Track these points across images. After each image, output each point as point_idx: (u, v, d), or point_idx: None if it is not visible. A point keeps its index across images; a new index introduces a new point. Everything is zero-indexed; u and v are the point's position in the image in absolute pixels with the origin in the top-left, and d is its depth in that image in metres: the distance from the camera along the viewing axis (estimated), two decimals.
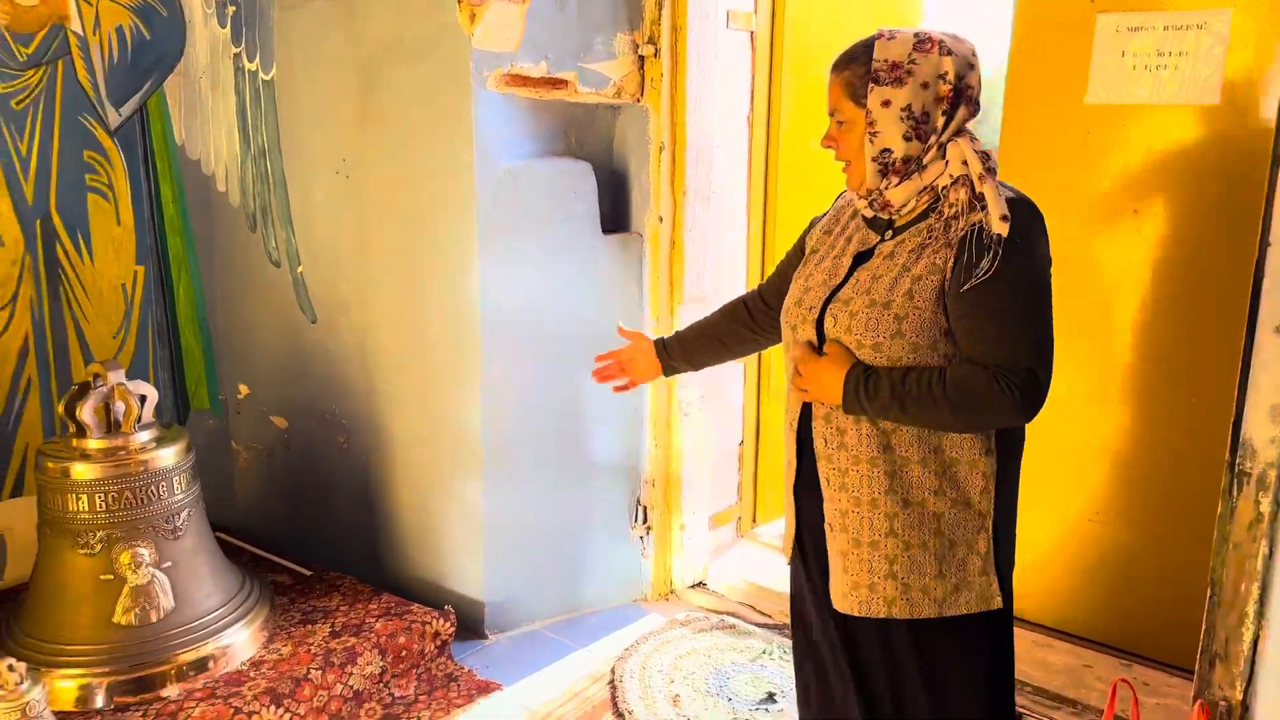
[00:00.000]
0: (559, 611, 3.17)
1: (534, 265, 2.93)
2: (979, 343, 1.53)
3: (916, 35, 1.56)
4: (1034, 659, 2.88)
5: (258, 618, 2.71)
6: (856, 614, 1.67)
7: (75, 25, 2.98)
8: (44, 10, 2.91)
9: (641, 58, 2.97)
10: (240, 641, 2.62)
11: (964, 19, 5.10)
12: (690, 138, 3.01)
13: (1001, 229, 1.48)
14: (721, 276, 3.25)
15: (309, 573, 3.11)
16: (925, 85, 1.54)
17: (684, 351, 2.09)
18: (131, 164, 3.16)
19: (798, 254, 1.88)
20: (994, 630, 1.70)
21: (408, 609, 2.88)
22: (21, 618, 2.59)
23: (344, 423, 3.30)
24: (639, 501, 3.25)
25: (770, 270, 2.28)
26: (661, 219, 3.06)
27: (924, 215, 1.61)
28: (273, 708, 2.44)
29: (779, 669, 2.84)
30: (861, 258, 1.66)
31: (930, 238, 1.57)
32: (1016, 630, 2.88)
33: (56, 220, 3.01)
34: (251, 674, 2.55)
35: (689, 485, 3.26)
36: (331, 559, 3.27)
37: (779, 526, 3.75)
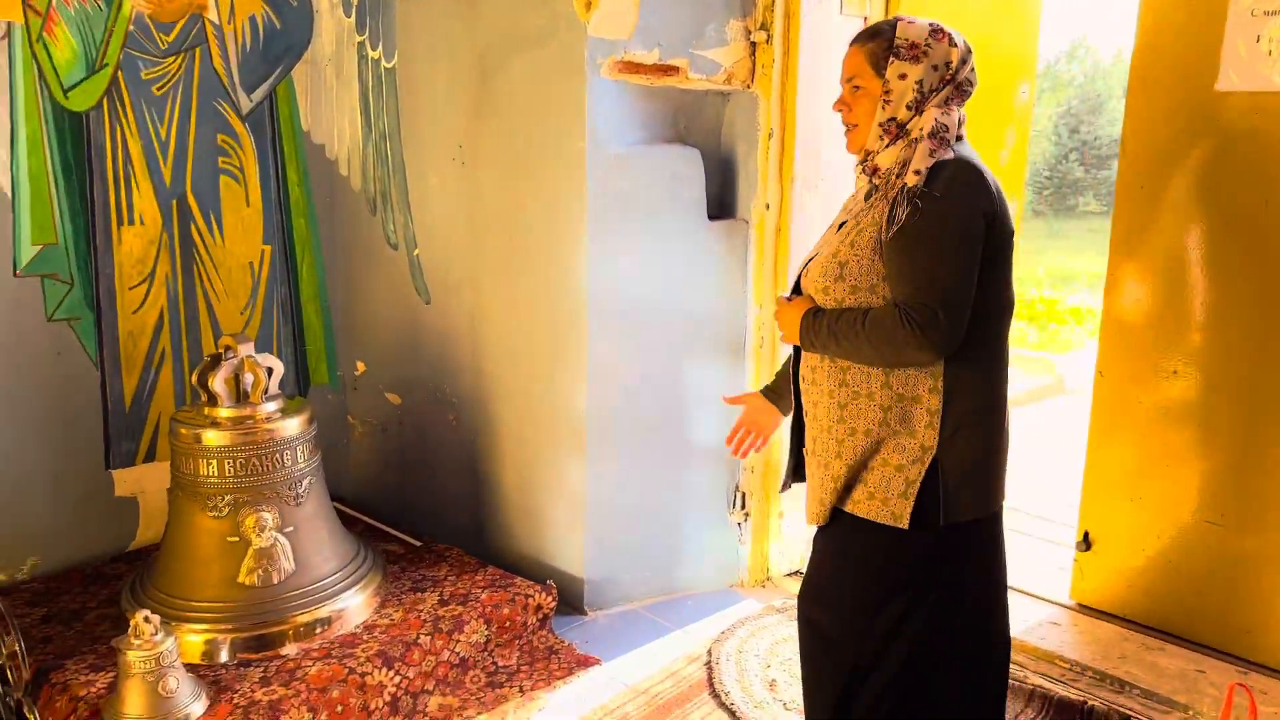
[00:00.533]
0: (656, 592, 3.22)
1: (641, 250, 2.97)
2: (894, 284, 1.73)
3: (931, 25, 1.79)
4: (1145, 662, 2.80)
5: (371, 584, 2.83)
6: (813, 524, 1.92)
7: (212, 14, 3.14)
8: (183, 1, 3.08)
9: (753, 44, 2.97)
10: (354, 605, 2.74)
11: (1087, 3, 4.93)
12: (800, 124, 3.01)
13: (914, 181, 1.70)
14: None
15: (418, 543, 3.23)
16: (935, 67, 1.77)
17: (787, 384, 2.12)
18: (261, 148, 3.31)
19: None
20: (907, 554, 1.82)
21: (511, 582, 2.97)
22: (154, 574, 2.75)
23: (454, 401, 3.41)
24: (738, 487, 3.27)
25: None
26: (768, 206, 3.07)
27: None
28: (384, 669, 2.55)
29: None
30: (843, 225, 1.87)
31: (881, 194, 1.77)
32: (1125, 631, 2.80)
33: (191, 201, 3.18)
34: (364, 637, 2.66)
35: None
36: (439, 531, 3.39)
37: None
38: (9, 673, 2.29)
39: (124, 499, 3.20)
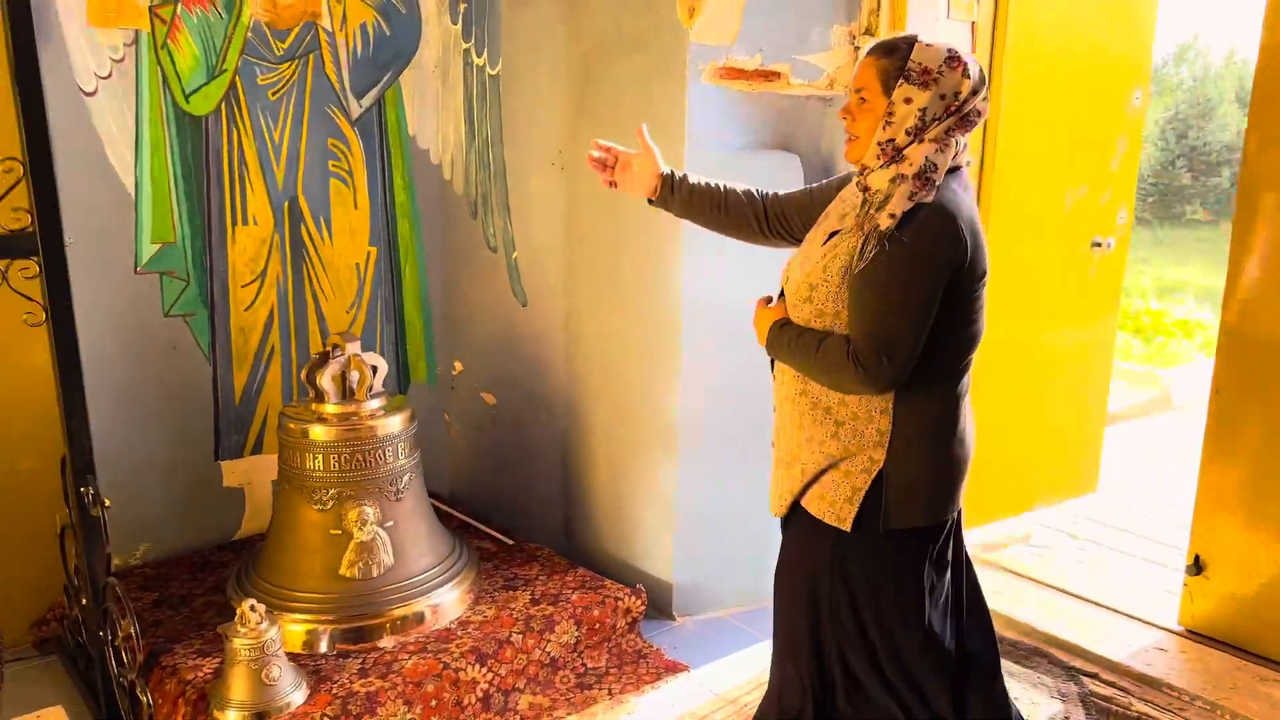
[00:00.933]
0: (746, 600, 3.19)
1: (737, 256, 2.93)
2: (850, 319, 1.81)
3: (949, 51, 1.76)
4: (1259, 693, 2.67)
5: (465, 580, 2.87)
6: (775, 515, 2.07)
7: (325, 22, 3.23)
8: (299, 8, 3.18)
9: (857, 48, 2.93)
10: (449, 601, 2.79)
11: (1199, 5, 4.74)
12: None
13: (886, 224, 1.73)
14: None
15: (510, 542, 3.27)
16: (942, 96, 1.75)
17: (686, 192, 2.15)
18: (369, 152, 3.40)
19: (809, 195, 2.08)
20: (848, 553, 1.94)
21: (601, 584, 2.98)
22: (260, 563, 2.84)
23: (547, 402, 3.45)
24: None
25: None
26: None
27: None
28: (477, 665, 2.59)
29: None
30: (831, 237, 1.87)
31: (857, 223, 1.80)
32: (1238, 660, 2.69)
33: (302, 203, 3.29)
34: (459, 632, 2.70)
35: None
36: (530, 530, 3.43)
37: (990, 533, 3.64)
38: (124, 654, 2.39)
39: (231, 489, 3.32)
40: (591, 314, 3.22)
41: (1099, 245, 3.76)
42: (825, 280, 1.82)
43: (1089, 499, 4.07)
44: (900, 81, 1.75)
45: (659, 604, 3.13)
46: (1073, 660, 2.90)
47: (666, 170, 2.16)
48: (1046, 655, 2.93)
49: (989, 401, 3.49)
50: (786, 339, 1.89)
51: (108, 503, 2.36)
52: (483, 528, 3.38)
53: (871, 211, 1.76)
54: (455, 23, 3.38)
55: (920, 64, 1.74)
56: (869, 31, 2.91)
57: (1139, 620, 3.09)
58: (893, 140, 1.76)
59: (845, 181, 1.98)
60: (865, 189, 1.80)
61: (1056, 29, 3.35)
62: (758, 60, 2.86)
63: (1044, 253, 3.59)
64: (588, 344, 3.26)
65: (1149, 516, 3.91)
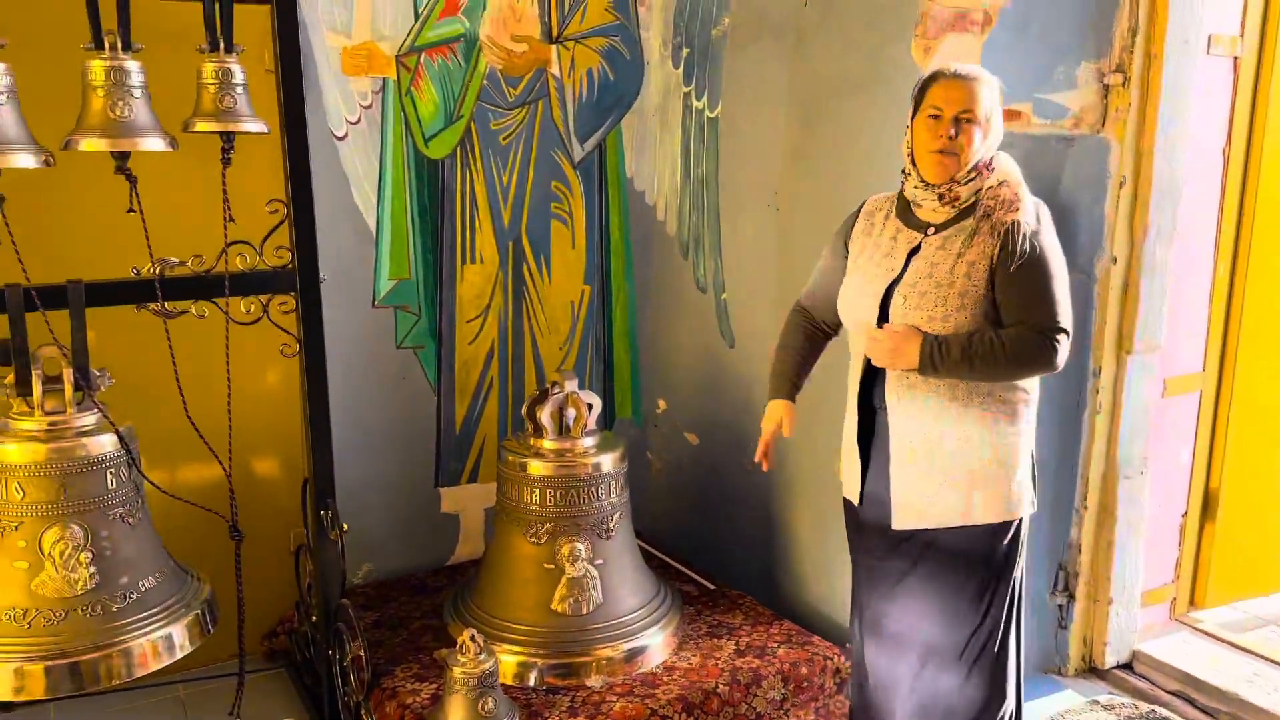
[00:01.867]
0: None
1: None
2: (1024, 309, 1.97)
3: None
4: None
5: (670, 624, 2.84)
6: (910, 526, 2.12)
7: (555, 69, 3.35)
8: (531, 56, 3.30)
9: (1106, 86, 2.76)
10: (655, 644, 2.76)
11: None
12: (1157, 172, 2.75)
13: (1033, 222, 1.98)
14: (1179, 325, 2.92)
15: (713, 587, 3.22)
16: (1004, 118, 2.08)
17: (800, 383, 2.42)
18: (588, 193, 3.49)
19: (840, 259, 2.25)
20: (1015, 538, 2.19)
21: (809, 640, 2.88)
22: (475, 591, 2.91)
23: (751, 445, 3.37)
24: (1061, 566, 3.00)
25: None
26: (1115, 259, 2.81)
27: (960, 216, 2.04)
28: (684, 714, 2.54)
29: None
30: (913, 253, 2.06)
31: (978, 228, 1.99)
32: None
33: (525, 242, 3.40)
34: (664, 678, 2.67)
35: (1122, 555, 2.95)
36: (730, 573, 3.37)
37: (1224, 614, 3.29)
38: (351, 675, 2.50)
39: (448, 515, 3.44)
40: None
41: None
42: (973, 285, 1.99)
43: None
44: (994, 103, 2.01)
45: None
46: None
47: (793, 398, 2.41)
48: None
49: (1238, 467, 3.18)
50: (955, 350, 1.97)
51: (345, 527, 2.48)
52: (685, 570, 3.35)
53: (995, 215, 1.98)
54: (677, 67, 3.42)
55: (1001, 90, 2.05)
56: (1121, 69, 2.73)
57: None
58: (984, 158, 2.03)
59: (843, 236, 2.25)
60: (954, 199, 2.02)
61: None
62: None
63: None
64: None
65: None
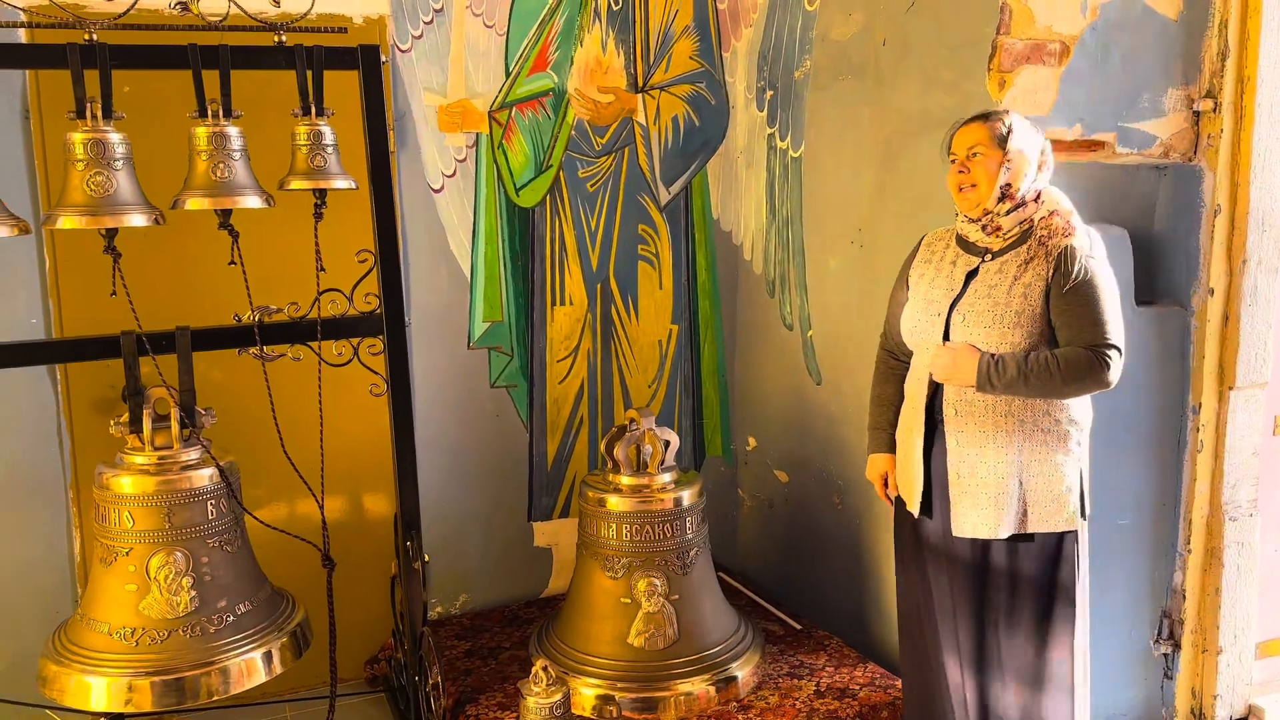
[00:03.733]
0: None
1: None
2: (1078, 329, 2.10)
3: (1028, 119, 2.23)
4: None
5: (749, 662, 2.84)
6: (979, 536, 2.20)
7: (640, 117, 3.46)
8: (618, 106, 3.43)
9: (1197, 113, 2.66)
10: (733, 682, 2.77)
11: None
12: (1254, 200, 2.62)
13: (1086, 247, 2.12)
14: None
15: (799, 627, 3.20)
16: (1041, 152, 2.21)
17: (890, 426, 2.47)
18: (675, 235, 3.57)
19: (904, 290, 2.38)
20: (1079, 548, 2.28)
21: (893, 683, 2.83)
22: (557, 624, 2.99)
23: (840, 483, 3.36)
24: (1165, 613, 2.85)
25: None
26: (1212, 291, 2.69)
27: (1017, 242, 2.18)
28: None
29: None
30: (971, 275, 2.21)
31: (1032, 254, 2.14)
32: None
33: (613, 284, 3.50)
34: (739, 716, 2.67)
35: (1231, 602, 2.78)
36: (819, 614, 3.33)
37: None
38: (431, 700, 2.61)
39: (540, 549, 3.54)
40: None
41: None
42: (1029, 305, 2.11)
43: None
44: (1012, 133, 2.17)
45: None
46: None
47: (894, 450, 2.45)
48: None
49: None
50: (1014, 367, 2.09)
51: (426, 558, 2.61)
52: (771, 609, 3.34)
53: (1048, 239, 2.13)
54: (761, 109, 3.48)
55: (1023, 123, 2.20)
56: (1211, 94, 2.63)
57: None
58: (1009, 184, 2.17)
59: (905, 270, 2.40)
60: (998, 229, 2.18)
61: None
62: (1077, 130, 2.67)
63: None
64: None
65: None
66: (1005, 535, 2.19)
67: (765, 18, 3.44)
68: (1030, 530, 2.19)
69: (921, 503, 2.31)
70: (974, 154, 2.18)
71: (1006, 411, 2.17)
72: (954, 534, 2.24)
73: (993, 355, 2.13)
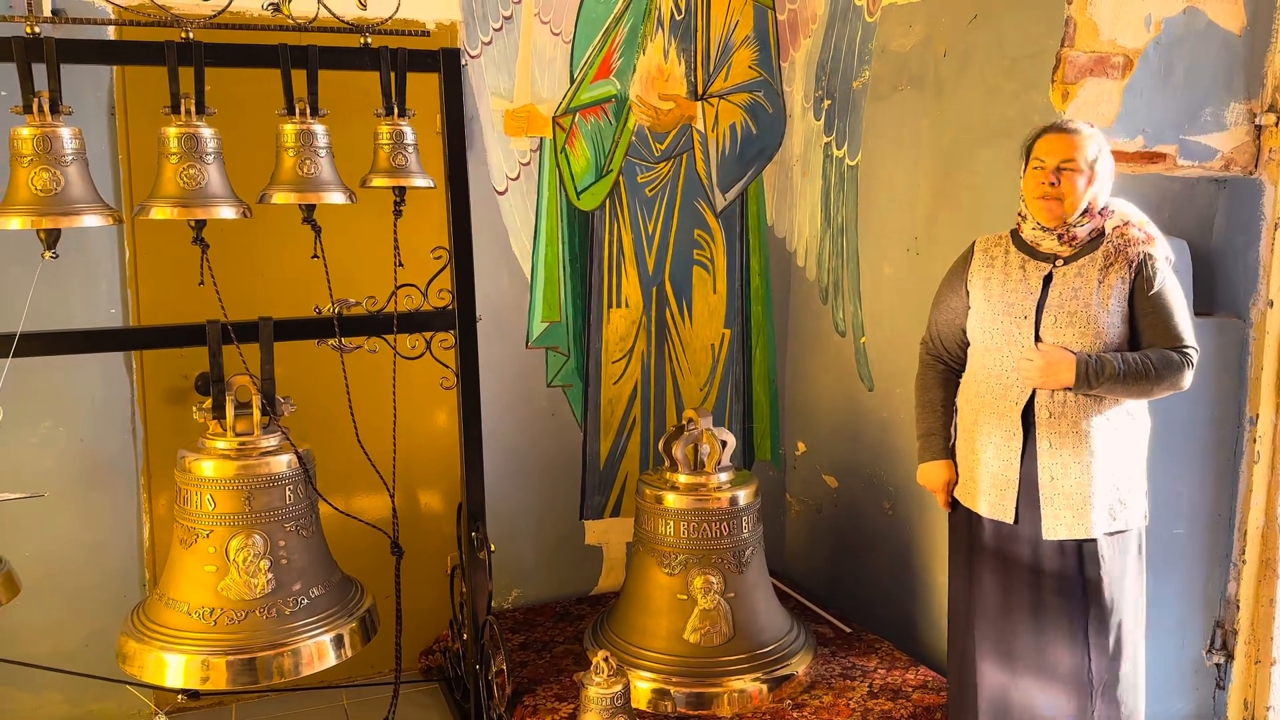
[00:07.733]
0: None
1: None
2: (1164, 331, 2.21)
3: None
4: None
5: (802, 662, 2.88)
6: (1074, 536, 2.24)
7: (699, 124, 3.52)
8: (677, 113, 3.49)
9: (1259, 127, 2.68)
10: (788, 679, 2.80)
11: None
12: None
13: (1166, 254, 2.25)
14: None
15: (849, 630, 3.23)
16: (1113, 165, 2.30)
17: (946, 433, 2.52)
18: (729, 241, 3.63)
19: (960, 297, 2.43)
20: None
21: (945, 685, 2.85)
22: (613, 619, 3.04)
23: (890, 489, 3.39)
24: (1218, 623, 2.86)
25: None
26: (1271, 303, 2.71)
27: (1087, 249, 2.25)
28: None
29: None
30: (1047, 279, 2.27)
31: (1110, 260, 2.22)
32: None
33: (668, 287, 3.56)
34: (793, 714, 2.71)
35: None
36: (867, 618, 3.36)
37: None
38: (495, 688, 2.66)
39: (591, 547, 3.60)
40: None
41: None
42: (1107, 311, 2.20)
43: None
44: (1098, 151, 2.23)
45: None
46: None
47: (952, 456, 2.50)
48: None
49: None
50: (1111, 367, 2.16)
51: (493, 547, 2.67)
52: (821, 612, 3.37)
53: (1126, 248, 2.21)
54: (818, 118, 3.53)
55: (1105, 139, 2.27)
56: (1274, 109, 2.65)
57: None
58: (1093, 199, 2.24)
59: (961, 275, 2.44)
60: (1075, 238, 2.24)
61: None
62: (1139, 142, 2.70)
63: None
64: None
65: None
66: (1099, 534, 2.24)
67: (824, 29, 3.50)
68: (1116, 530, 2.25)
69: (1017, 510, 2.31)
70: (1065, 168, 2.22)
71: (1098, 412, 2.23)
72: (1045, 537, 2.27)
73: (1089, 355, 2.18)
